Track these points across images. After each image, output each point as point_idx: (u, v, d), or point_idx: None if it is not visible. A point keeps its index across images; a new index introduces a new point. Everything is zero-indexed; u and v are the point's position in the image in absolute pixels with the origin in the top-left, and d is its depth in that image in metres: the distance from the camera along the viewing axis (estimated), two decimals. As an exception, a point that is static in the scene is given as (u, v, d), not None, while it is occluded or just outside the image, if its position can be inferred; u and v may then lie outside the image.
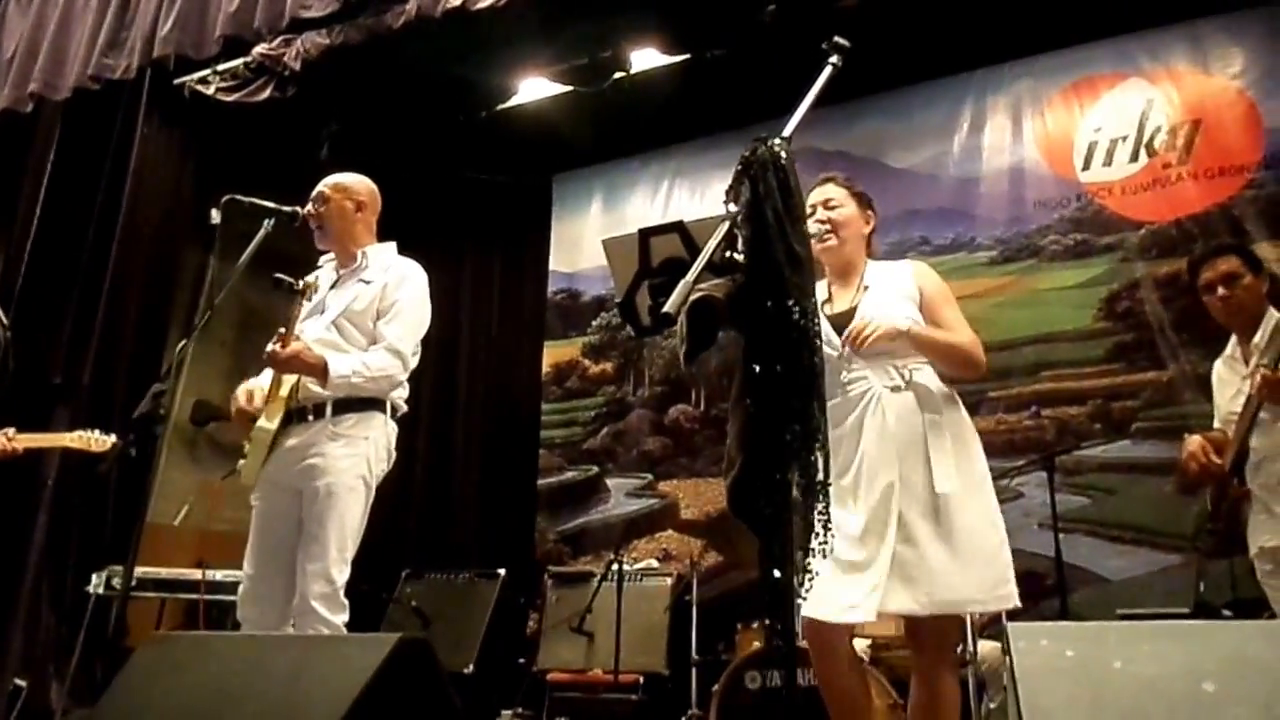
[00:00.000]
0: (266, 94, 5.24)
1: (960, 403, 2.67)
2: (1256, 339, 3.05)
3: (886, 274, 2.76)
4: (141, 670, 2.13)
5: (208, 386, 5.88)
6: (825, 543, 1.59)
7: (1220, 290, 3.13)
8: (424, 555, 5.78)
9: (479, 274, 7.03)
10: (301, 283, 3.04)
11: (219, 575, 4.59)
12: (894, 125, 5.93)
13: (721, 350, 1.91)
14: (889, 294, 2.67)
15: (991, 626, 4.19)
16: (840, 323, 2.63)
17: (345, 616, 2.93)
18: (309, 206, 3.23)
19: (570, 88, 5.81)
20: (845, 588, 2.40)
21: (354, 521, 3.00)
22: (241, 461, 3.10)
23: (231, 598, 4.53)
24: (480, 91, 5.90)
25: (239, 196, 3.06)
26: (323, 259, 3.38)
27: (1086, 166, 5.47)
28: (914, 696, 2.59)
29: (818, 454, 1.60)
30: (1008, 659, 1.01)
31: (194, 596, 4.59)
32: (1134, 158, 5.35)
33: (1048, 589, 4.66)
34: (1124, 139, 5.40)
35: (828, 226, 2.72)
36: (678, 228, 1.84)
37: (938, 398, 2.59)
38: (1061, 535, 4.19)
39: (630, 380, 6.57)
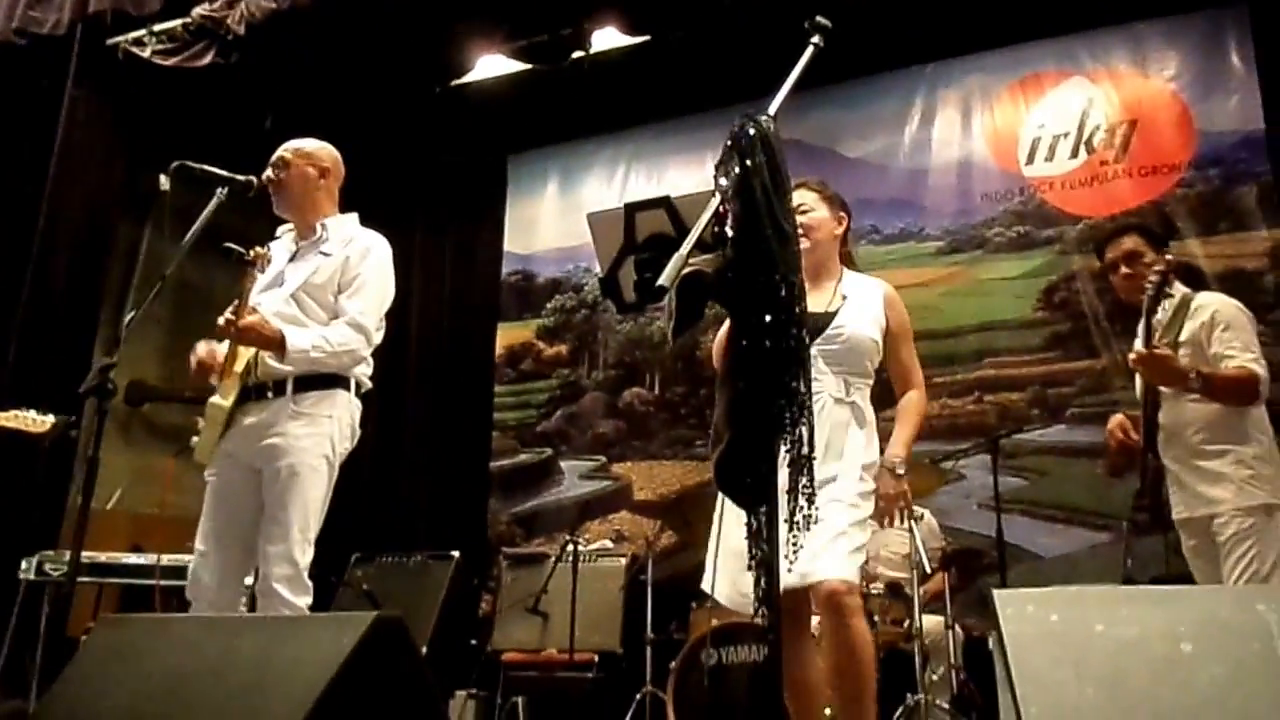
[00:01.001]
0: (207, 59, 5.04)
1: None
2: (1159, 316, 3.13)
3: (862, 290, 2.85)
4: (97, 655, 2.05)
5: (143, 366, 5.76)
6: (809, 515, 1.69)
7: (1124, 269, 3.21)
8: (374, 538, 5.76)
9: (431, 253, 6.97)
10: (252, 252, 2.94)
11: (165, 560, 4.53)
12: (848, 115, 6.06)
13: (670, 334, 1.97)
14: (865, 312, 2.78)
15: (934, 603, 4.37)
16: (813, 323, 2.72)
17: (309, 599, 2.86)
18: (268, 171, 3.12)
19: (528, 66, 5.75)
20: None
21: (317, 502, 2.92)
22: (195, 439, 3.00)
23: (176, 582, 4.53)
24: (435, 66, 5.78)
25: (189, 163, 2.90)
26: (280, 229, 3.26)
27: (1030, 161, 5.66)
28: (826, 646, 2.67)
29: (803, 429, 1.65)
30: (995, 624, 1.09)
31: (132, 581, 4.54)
32: (1074, 154, 5.55)
33: (985, 566, 4.88)
34: (1065, 136, 5.60)
35: (800, 231, 2.81)
36: (664, 203, 1.84)
37: (866, 416, 2.74)
38: (996, 514, 4.35)
39: (585, 363, 6.63)
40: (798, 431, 1.63)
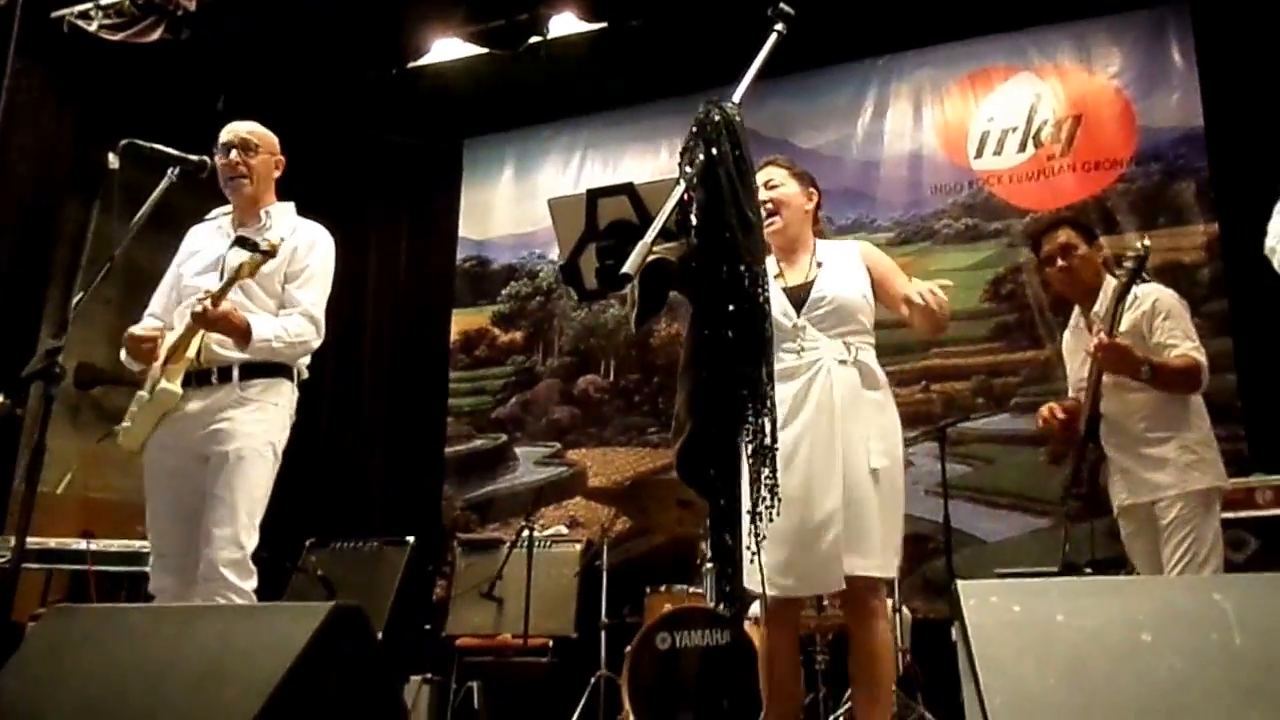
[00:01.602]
0: (157, 35, 4.93)
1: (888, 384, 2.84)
2: (1096, 307, 3.24)
3: (837, 253, 2.88)
4: (45, 644, 2.00)
5: (91, 348, 5.65)
6: (772, 506, 1.72)
7: (1059, 261, 3.29)
8: (328, 523, 5.74)
9: (386, 238, 6.93)
10: (266, 242, 2.91)
11: (115, 546, 4.49)
12: (802, 107, 6.12)
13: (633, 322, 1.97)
14: (844, 272, 2.80)
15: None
16: (796, 295, 2.75)
17: (254, 582, 2.87)
18: (233, 155, 3.09)
19: (485, 50, 5.72)
20: (802, 557, 2.51)
21: (263, 489, 2.94)
22: (126, 424, 2.97)
23: (123, 568, 4.48)
24: (391, 48, 5.71)
25: (139, 141, 2.83)
26: (215, 211, 3.23)
27: (979, 155, 5.77)
28: (854, 650, 2.69)
29: (765, 419, 1.68)
30: (958, 615, 1.13)
31: (82, 567, 4.46)
32: (1022, 148, 5.67)
33: (931, 551, 5.00)
34: (1014, 130, 5.71)
35: (771, 207, 2.82)
36: (627, 190, 1.85)
37: (878, 377, 2.76)
38: (944, 500, 4.47)
39: (540, 350, 6.64)
40: (760, 422, 1.66)
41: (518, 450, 6.47)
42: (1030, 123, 5.67)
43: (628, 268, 1.51)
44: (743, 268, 1.67)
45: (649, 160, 6.55)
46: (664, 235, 1.66)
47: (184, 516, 2.92)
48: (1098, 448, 3.22)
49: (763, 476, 1.69)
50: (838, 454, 2.57)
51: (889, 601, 4.21)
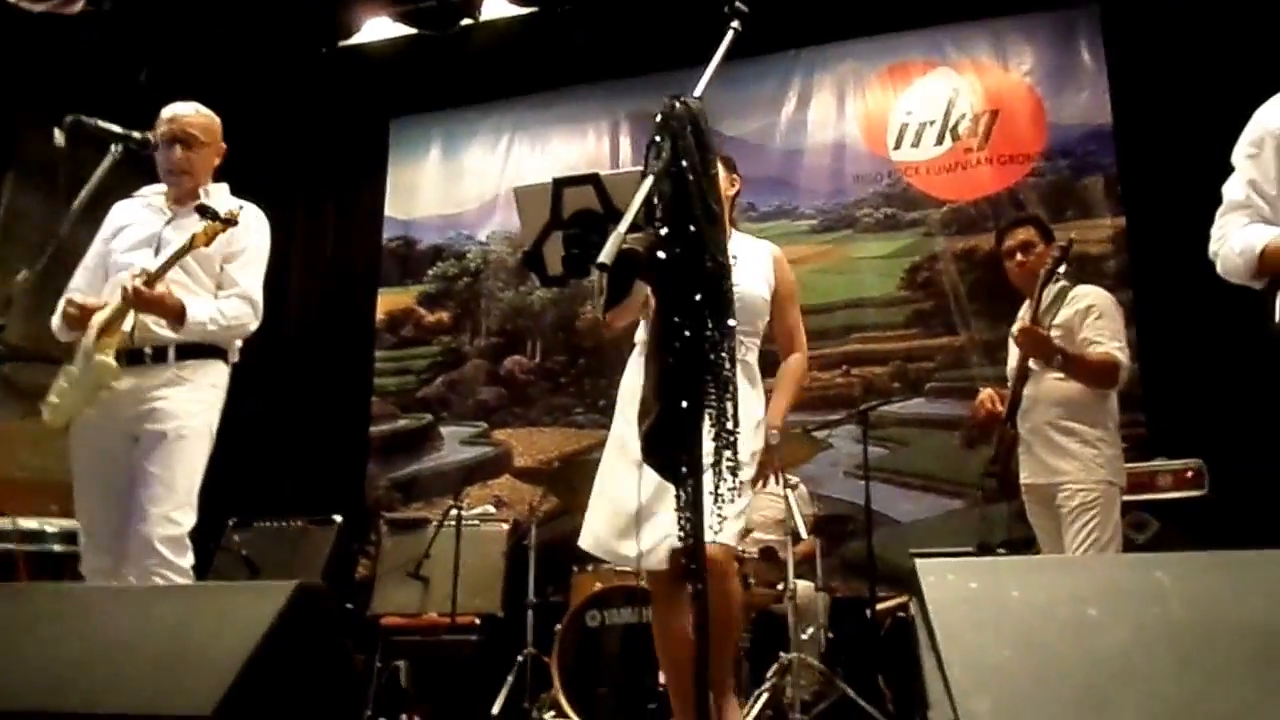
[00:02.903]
0: (79, 6, 4.82)
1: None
2: (1033, 304, 3.39)
3: (750, 249, 2.95)
4: None
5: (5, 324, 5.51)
6: (734, 488, 1.80)
7: (1018, 256, 3.49)
8: (249, 502, 5.66)
9: (311, 216, 6.81)
10: (227, 212, 2.87)
11: (34, 524, 4.39)
12: (727, 95, 6.18)
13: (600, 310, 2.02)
14: (754, 273, 2.88)
15: (803, 566, 4.60)
16: None
17: (190, 559, 2.85)
18: (176, 149, 3.05)
19: (415, 30, 5.72)
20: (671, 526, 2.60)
21: (199, 467, 2.92)
22: (54, 399, 2.90)
23: (44, 548, 4.36)
24: (323, 26, 5.70)
25: (84, 117, 2.79)
26: (147, 189, 3.19)
27: (898, 146, 5.94)
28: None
29: (728, 404, 1.74)
30: (917, 592, 1.20)
31: (9, 547, 4.35)
32: (939, 141, 5.85)
33: (850, 532, 5.16)
34: (931, 123, 5.89)
35: None
36: (593, 180, 1.90)
37: (757, 377, 2.84)
38: (865, 482, 4.60)
39: (467, 330, 6.63)
40: (723, 406, 1.73)
41: (443, 430, 6.46)
42: (948, 116, 5.86)
43: (603, 258, 1.55)
44: (707, 258, 1.73)
45: (576, 143, 6.58)
46: (631, 226, 1.68)
47: (114, 496, 2.89)
48: (1014, 428, 3.40)
49: (724, 458, 1.77)
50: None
51: (806, 582, 4.40)
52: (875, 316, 5.77)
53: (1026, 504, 3.47)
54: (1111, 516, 3.22)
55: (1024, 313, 3.56)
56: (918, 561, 1.33)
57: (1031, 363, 3.35)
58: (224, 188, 3.22)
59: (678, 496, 1.68)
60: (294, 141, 6.67)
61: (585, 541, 2.79)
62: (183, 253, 2.85)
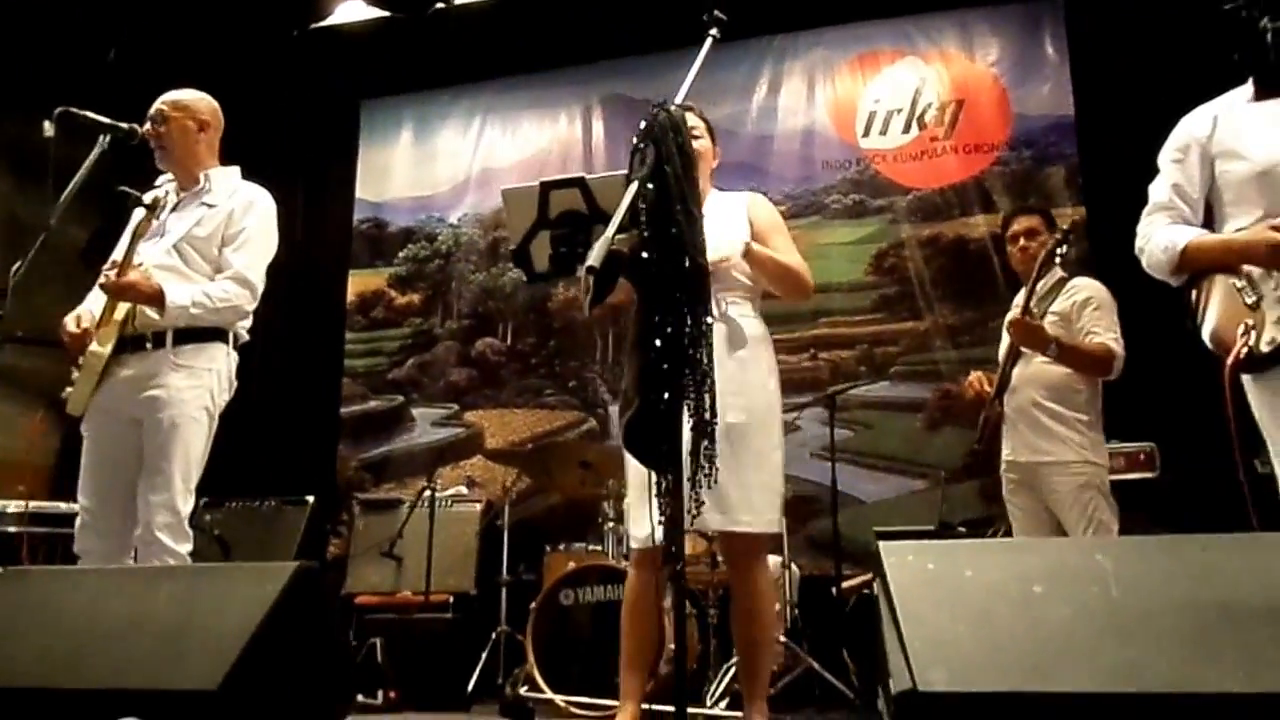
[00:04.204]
0: None
1: (769, 340, 2.86)
2: (1028, 288, 3.44)
3: (724, 203, 2.96)
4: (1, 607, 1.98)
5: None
6: (709, 475, 1.89)
7: (1021, 242, 3.60)
8: (221, 483, 5.67)
9: (283, 197, 6.71)
10: (150, 197, 2.92)
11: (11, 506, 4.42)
12: (701, 80, 6.22)
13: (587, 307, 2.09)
14: (724, 226, 2.82)
15: (771, 543, 4.72)
16: None
17: (189, 546, 2.91)
18: (147, 126, 3.07)
19: (387, 13, 5.74)
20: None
21: (197, 452, 2.96)
22: (68, 389, 2.97)
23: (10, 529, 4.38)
24: (293, 7, 5.70)
25: (74, 109, 2.83)
26: (160, 180, 3.22)
27: (866, 134, 6.04)
28: (736, 600, 2.80)
29: (706, 396, 1.84)
30: (879, 572, 1.29)
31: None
32: (907, 129, 5.96)
33: (816, 511, 5.30)
34: (899, 111, 5.99)
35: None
36: (579, 183, 1.98)
37: (745, 333, 2.77)
38: (830, 463, 4.73)
39: (438, 312, 6.67)
40: (701, 398, 1.83)
41: (415, 411, 6.52)
42: (915, 105, 5.96)
43: (593, 260, 1.65)
44: (686, 259, 1.82)
45: (548, 127, 6.62)
46: (617, 229, 1.78)
47: (115, 480, 2.94)
48: (1001, 406, 3.51)
49: (702, 448, 1.86)
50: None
51: (775, 558, 4.51)
52: (842, 301, 5.88)
53: (1005, 481, 3.52)
54: (1107, 496, 3.31)
55: (1020, 298, 3.58)
56: (881, 544, 1.43)
57: (1025, 350, 3.44)
58: (233, 170, 3.24)
59: (658, 484, 1.77)
60: (265, 122, 6.63)
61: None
62: (134, 242, 2.89)
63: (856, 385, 5.35)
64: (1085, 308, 3.44)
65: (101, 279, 2.88)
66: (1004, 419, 3.50)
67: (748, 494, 2.61)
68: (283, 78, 6.43)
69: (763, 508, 2.64)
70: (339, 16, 5.85)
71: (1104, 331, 3.39)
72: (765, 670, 2.78)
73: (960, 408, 5.46)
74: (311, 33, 5.95)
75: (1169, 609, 1.29)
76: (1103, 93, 5.47)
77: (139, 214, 3.10)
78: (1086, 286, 3.52)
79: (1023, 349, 3.45)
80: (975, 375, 3.65)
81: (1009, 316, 3.58)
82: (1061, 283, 3.49)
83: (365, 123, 6.98)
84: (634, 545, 2.73)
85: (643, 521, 2.58)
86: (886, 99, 6.02)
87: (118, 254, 2.97)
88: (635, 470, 2.46)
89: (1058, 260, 3.34)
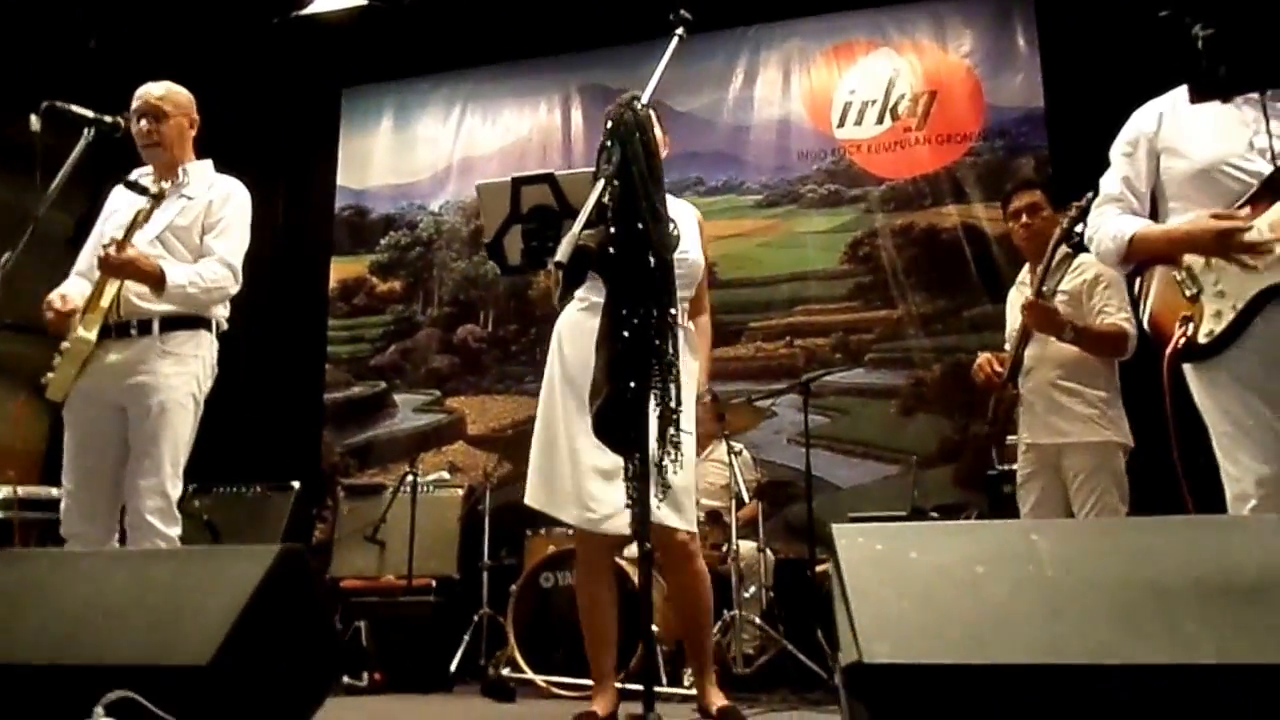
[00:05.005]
0: None
1: (696, 349, 3.01)
2: (1041, 267, 3.39)
3: (681, 213, 3.01)
4: None
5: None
6: (675, 460, 1.98)
7: (1024, 218, 3.53)
8: (208, 468, 5.72)
9: (264, 185, 6.77)
10: (157, 187, 2.96)
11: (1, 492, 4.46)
12: (678, 71, 6.19)
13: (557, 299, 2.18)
14: (693, 240, 2.98)
15: (747, 529, 4.83)
16: None
17: (179, 529, 2.98)
18: (143, 123, 3.14)
19: (367, 1, 5.77)
20: (607, 494, 2.66)
21: (185, 438, 3.03)
22: (49, 375, 3.00)
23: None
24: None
25: (59, 103, 2.84)
26: (136, 171, 3.25)
27: (841, 124, 6.12)
28: (681, 590, 2.96)
29: (671, 385, 1.93)
30: (832, 552, 1.38)
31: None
32: (881, 120, 6.04)
33: (791, 496, 5.41)
34: (873, 102, 6.08)
35: None
36: (548, 179, 2.06)
37: (695, 344, 2.96)
38: (805, 449, 4.80)
39: (419, 299, 6.74)
40: (666, 387, 1.92)
41: (397, 397, 6.59)
42: (889, 96, 6.04)
43: (561, 256, 1.72)
44: (652, 254, 1.90)
45: (528, 115, 6.68)
46: (584, 225, 1.85)
47: (99, 465, 3.00)
48: (1015, 388, 3.45)
49: (668, 434, 1.96)
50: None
51: (750, 543, 4.63)
52: (818, 289, 5.97)
53: (1021, 464, 3.48)
54: (1119, 477, 3.27)
55: (1024, 276, 3.61)
56: (833, 526, 1.53)
57: (1039, 333, 3.39)
58: (207, 164, 3.31)
59: (626, 469, 1.87)
60: (246, 111, 6.66)
61: (568, 517, 2.85)
62: (134, 226, 2.94)
63: (831, 372, 5.42)
64: (1096, 286, 3.38)
65: (101, 253, 2.92)
66: (1020, 401, 3.43)
67: (689, 497, 2.76)
68: (263, 66, 6.43)
69: (691, 506, 2.81)
70: (319, 5, 5.87)
71: (1116, 311, 3.33)
72: (711, 646, 2.93)
73: (933, 394, 5.57)
74: (292, 21, 5.96)
75: (1100, 587, 1.39)
76: (1072, 85, 5.56)
77: (135, 201, 3.12)
78: (1095, 263, 3.35)
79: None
80: (985, 357, 3.55)
81: (1012, 296, 3.56)
82: (1068, 258, 3.41)
83: (346, 110, 7.01)
84: (606, 530, 2.78)
85: (607, 501, 2.67)
86: (861, 90, 6.10)
87: (116, 233, 3.00)
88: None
89: (1075, 239, 3.20)
